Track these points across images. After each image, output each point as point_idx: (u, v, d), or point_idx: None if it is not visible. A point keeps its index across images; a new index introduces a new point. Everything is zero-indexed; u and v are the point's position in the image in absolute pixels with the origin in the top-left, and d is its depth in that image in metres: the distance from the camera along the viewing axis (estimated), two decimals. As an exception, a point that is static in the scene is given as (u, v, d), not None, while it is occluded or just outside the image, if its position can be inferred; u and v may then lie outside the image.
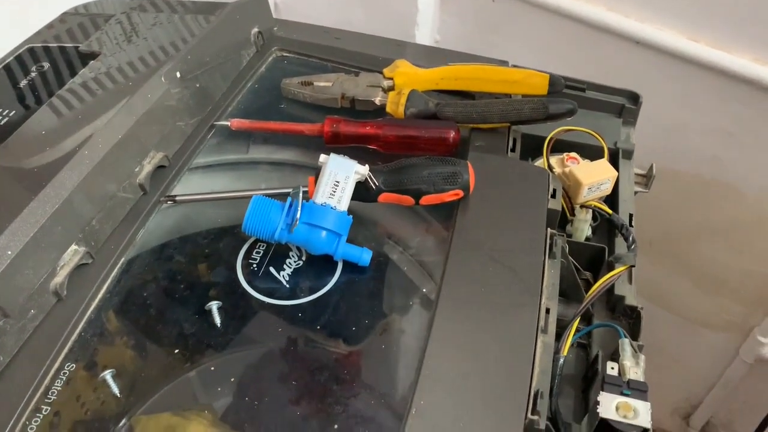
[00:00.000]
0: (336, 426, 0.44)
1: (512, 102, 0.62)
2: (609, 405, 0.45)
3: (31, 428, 0.43)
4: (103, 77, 0.61)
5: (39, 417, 0.43)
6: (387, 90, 0.65)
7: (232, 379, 0.46)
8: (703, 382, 1.29)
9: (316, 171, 0.53)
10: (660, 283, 1.22)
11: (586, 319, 0.58)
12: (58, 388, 0.45)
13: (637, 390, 0.46)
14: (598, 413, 0.45)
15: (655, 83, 0.97)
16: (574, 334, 0.52)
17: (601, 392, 0.46)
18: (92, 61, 0.64)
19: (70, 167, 0.50)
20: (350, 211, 0.53)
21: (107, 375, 0.46)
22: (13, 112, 0.59)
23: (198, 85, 0.63)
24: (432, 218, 0.58)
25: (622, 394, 0.46)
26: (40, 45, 0.70)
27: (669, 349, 1.29)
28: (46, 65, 0.67)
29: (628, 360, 0.49)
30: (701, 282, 1.17)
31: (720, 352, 1.22)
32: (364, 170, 0.53)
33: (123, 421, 0.44)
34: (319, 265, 0.53)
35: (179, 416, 0.45)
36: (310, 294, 0.52)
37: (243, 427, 0.44)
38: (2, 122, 0.58)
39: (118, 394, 0.45)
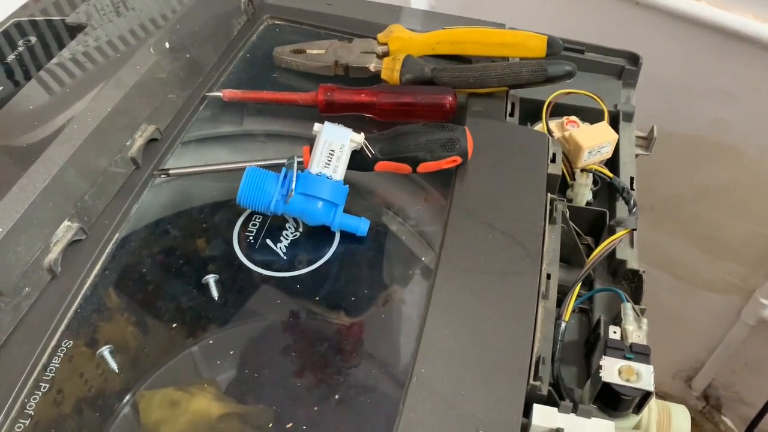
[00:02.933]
0: (337, 396, 0.44)
1: (510, 65, 0.61)
2: (612, 369, 0.45)
3: (30, 405, 0.43)
4: (92, 50, 0.60)
5: (38, 394, 0.43)
6: (381, 56, 0.63)
7: (232, 352, 0.46)
8: (705, 344, 1.30)
9: (311, 141, 0.52)
10: (662, 247, 1.21)
11: (588, 284, 0.57)
12: (57, 365, 0.45)
13: (639, 354, 0.46)
14: (600, 377, 0.44)
15: (655, 44, 0.96)
16: (575, 300, 0.51)
17: (603, 356, 0.45)
18: (80, 34, 0.63)
19: (59, 142, 0.49)
20: (347, 180, 0.52)
21: (105, 351, 0.46)
22: (1, 88, 0.58)
23: (188, 56, 0.62)
24: (430, 186, 0.57)
25: (624, 357, 0.45)
26: (26, 19, 0.68)
27: (671, 313, 1.29)
28: (33, 39, 0.65)
29: (630, 324, 0.49)
30: (703, 245, 1.17)
31: (722, 314, 1.22)
32: (359, 138, 0.52)
33: (127, 397, 0.44)
34: (316, 235, 0.53)
35: (182, 390, 0.45)
36: (308, 265, 0.51)
37: (245, 399, 0.44)
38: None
39: (117, 370, 0.45)
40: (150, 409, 0.44)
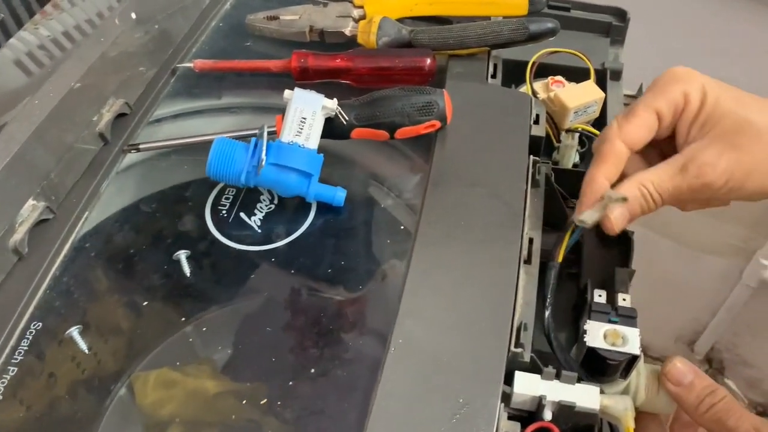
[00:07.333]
0: (313, 370, 0.42)
1: (490, 24, 0.58)
2: (596, 333, 0.43)
3: (-2, 389, 0.42)
4: (56, 23, 0.58)
5: (6, 377, 0.42)
6: (358, 20, 0.61)
7: (204, 329, 0.45)
8: (707, 308, 1.29)
9: (284, 110, 0.51)
10: (663, 212, 1.19)
11: (577, 251, 0.55)
12: (25, 348, 0.43)
13: (625, 317, 0.44)
14: (585, 342, 0.43)
15: (651, 3, 0.93)
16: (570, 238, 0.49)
17: (588, 321, 0.44)
18: (46, 6, 0.61)
19: (19, 118, 0.47)
20: (324, 149, 0.50)
21: (74, 332, 0.44)
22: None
23: (157, 27, 0.60)
24: (410, 151, 0.55)
25: (609, 321, 0.44)
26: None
27: (672, 277, 1.28)
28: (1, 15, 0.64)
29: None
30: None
31: (723, 277, 1.21)
32: (332, 104, 0.50)
33: (122, 378, 0.43)
34: (292, 207, 0.51)
35: (178, 371, 0.44)
36: (284, 238, 0.49)
37: (238, 377, 0.43)
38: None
39: (86, 350, 0.44)
40: (146, 390, 0.43)
